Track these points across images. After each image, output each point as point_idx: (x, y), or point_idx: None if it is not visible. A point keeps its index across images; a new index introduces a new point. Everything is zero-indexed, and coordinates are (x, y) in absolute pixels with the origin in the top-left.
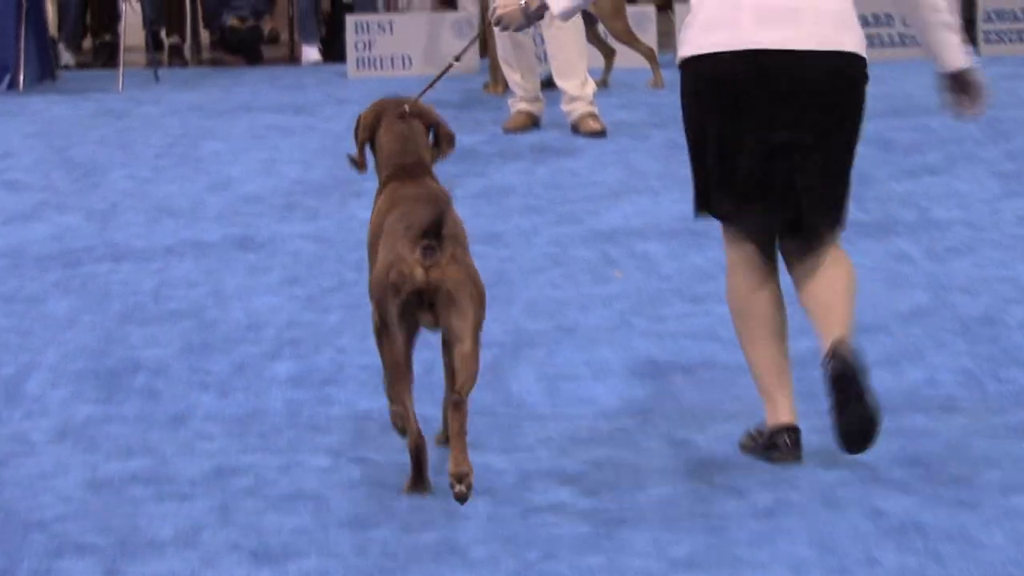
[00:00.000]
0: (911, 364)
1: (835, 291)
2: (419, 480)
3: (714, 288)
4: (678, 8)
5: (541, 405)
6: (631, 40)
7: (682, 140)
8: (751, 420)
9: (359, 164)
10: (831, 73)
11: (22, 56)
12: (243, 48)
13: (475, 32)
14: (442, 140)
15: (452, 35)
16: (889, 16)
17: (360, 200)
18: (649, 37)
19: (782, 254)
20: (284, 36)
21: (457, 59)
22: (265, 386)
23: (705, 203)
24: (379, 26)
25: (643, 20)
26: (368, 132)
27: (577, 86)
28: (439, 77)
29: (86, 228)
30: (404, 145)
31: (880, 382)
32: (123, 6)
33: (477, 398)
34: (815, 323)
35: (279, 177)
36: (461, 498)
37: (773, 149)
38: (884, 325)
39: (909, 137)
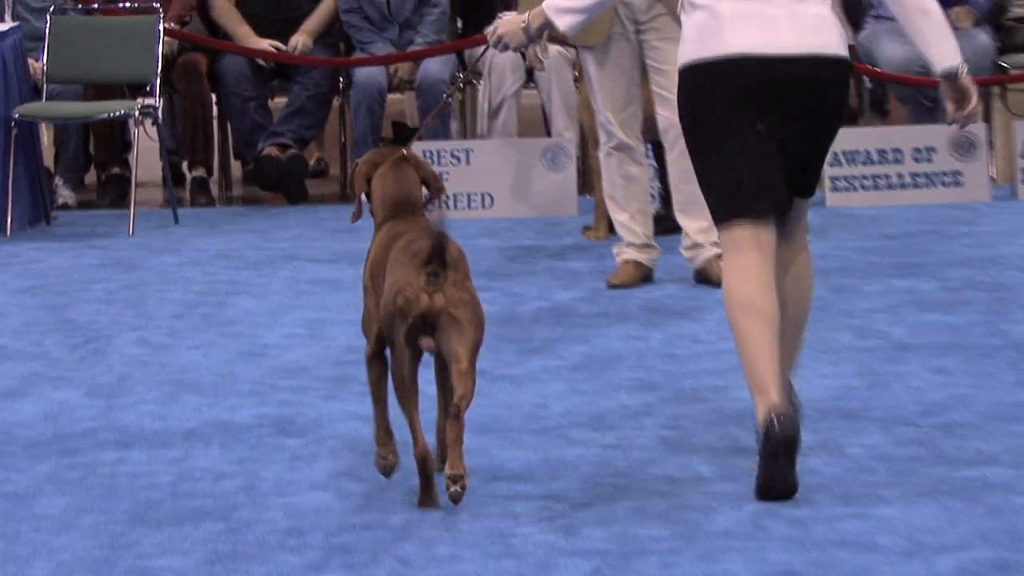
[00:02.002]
0: None
1: (796, 316)
2: (428, 492)
3: (872, 484)
4: None
5: None
6: None
7: (832, 298)
8: None
9: (356, 214)
10: (808, 75)
11: (11, 194)
12: (284, 183)
13: (572, 162)
14: (432, 189)
15: (545, 167)
16: None
17: (427, 371)
18: None
19: None
20: (334, 169)
21: (449, 97)
22: None
23: (720, 211)
24: (453, 156)
25: None
26: (365, 180)
27: (705, 227)
28: (433, 115)
29: (87, 406)
30: (399, 188)
31: None
32: (135, 131)
33: None
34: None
35: (327, 343)
36: (456, 498)
37: (762, 142)
38: None
39: None
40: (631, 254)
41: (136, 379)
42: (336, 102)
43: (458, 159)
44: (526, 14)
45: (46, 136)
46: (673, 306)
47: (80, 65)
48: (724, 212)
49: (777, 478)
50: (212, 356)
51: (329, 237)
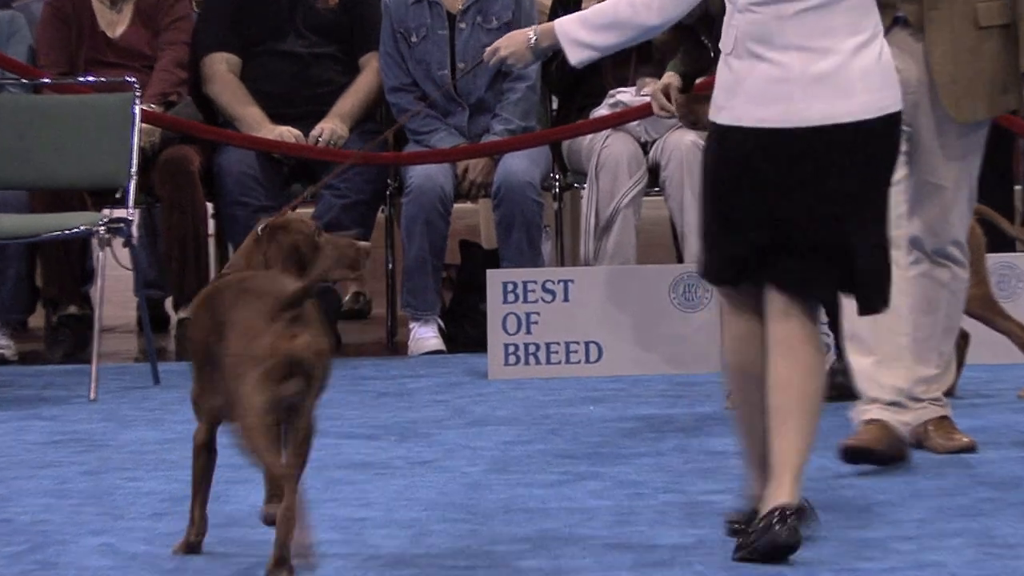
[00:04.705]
0: None
1: (799, 407)
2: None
3: None
4: None
5: None
6: (992, 313)
7: None
8: None
9: None
10: (879, 136)
11: None
12: None
13: (713, 298)
14: (317, 258)
15: (676, 303)
16: None
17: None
18: (1021, 307)
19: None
20: (378, 307)
21: (346, 169)
22: None
23: (714, 272)
24: (545, 289)
25: (1010, 279)
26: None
27: (930, 376)
28: (331, 177)
29: None
30: (247, 263)
31: None
32: (99, 255)
33: None
34: (771, 436)
35: (370, 551)
36: None
37: (821, 216)
38: None
39: None
40: None
41: None
42: (382, 213)
43: (552, 294)
44: (532, 29)
45: None
46: (855, 500)
47: (24, 163)
48: (716, 274)
49: (759, 558)
50: (211, 569)
51: (371, 403)
